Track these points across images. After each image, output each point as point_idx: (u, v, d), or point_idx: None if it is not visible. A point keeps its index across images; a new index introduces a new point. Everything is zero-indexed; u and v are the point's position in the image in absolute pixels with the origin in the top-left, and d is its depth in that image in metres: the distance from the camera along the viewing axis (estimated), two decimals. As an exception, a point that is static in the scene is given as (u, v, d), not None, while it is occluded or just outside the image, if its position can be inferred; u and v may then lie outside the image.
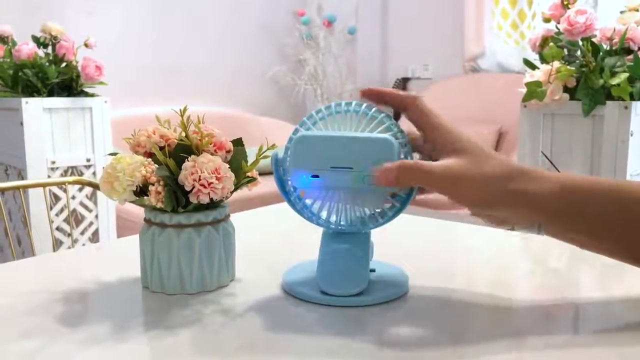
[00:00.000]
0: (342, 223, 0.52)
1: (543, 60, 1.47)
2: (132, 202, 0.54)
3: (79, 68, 1.91)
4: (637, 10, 1.46)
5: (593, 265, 0.65)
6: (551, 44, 1.45)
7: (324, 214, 0.52)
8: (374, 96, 0.52)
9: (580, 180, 0.49)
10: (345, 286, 0.51)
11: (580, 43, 1.41)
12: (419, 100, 0.51)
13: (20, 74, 1.88)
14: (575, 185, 0.49)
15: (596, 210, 0.49)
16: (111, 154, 0.55)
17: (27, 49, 1.89)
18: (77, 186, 1.90)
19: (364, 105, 0.51)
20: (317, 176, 0.49)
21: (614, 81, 1.33)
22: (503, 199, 0.47)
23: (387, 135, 0.49)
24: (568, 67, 1.39)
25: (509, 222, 0.50)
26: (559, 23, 1.44)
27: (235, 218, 0.59)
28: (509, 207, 0.48)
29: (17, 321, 0.49)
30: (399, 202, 0.51)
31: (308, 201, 0.52)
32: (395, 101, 0.52)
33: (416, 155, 0.53)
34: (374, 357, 0.41)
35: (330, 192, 0.50)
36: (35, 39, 1.95)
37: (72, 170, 1.93)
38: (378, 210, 0.52)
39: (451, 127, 0.49)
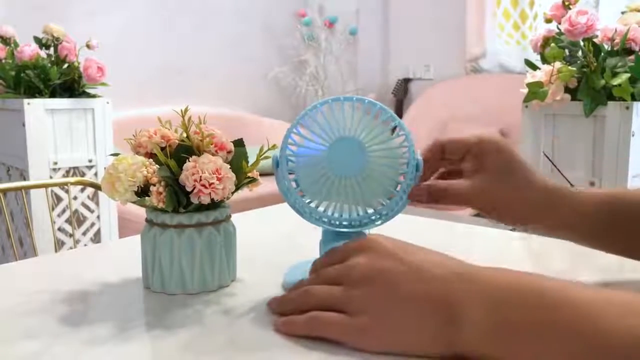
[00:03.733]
0: (342, 223, 0.52)
1: (544, 60, 1.47)
2: (134, 202, 0.54)
3: (81, 69, 1.91)
4: (639, 11, 1.46)
5: (594, 265, 0.65)
6: (552, 44, 1.45)
7: (324, 214, 0.52)
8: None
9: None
10: None
11: (582, 43, 1.41)
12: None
13: (22, 75, 1.88)
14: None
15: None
16: (113, 155, 0.55)
17: (29, 50, 1.89)
18: (79, 187, 1.90)
19: (355, 97, 0.51)
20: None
21: (616, 82, 1.33)
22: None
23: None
24: (569, 67, 1.39)
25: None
26: (560, 23, 1.44)
27: (236, 218, 0.59)
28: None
29: (19, 322, 0.49)
30: (398, 200, 0.51)
31: (312, 205, 0.52)
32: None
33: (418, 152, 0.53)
34: (376, 357, 0.41)
35: (329, 192, 0.51)
36: (37, 40, 1.96)
37: (74, 171, 1.93)
38: (377, 209, 0.52)
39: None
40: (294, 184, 0.52)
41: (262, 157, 0.55)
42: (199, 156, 0.53)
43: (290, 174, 0.52)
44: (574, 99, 1.40)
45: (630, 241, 0.53)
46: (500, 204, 0.52)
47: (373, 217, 0.52)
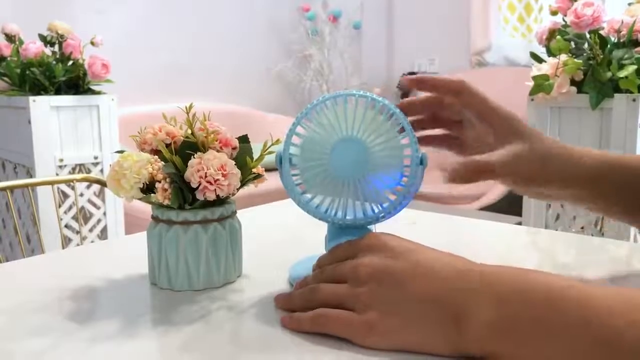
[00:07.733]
0: (346, 218, 0.52)
1: (550, 53, 1.46)
2: (139, 199, 0.54)
3: (86, 66, 1.91)
4: (645, 2, 1.45)
5: (601, 259, 0.64)
6: (558, 36, 1.44)
7: (328, 209, 0.52)
8: (416, 85, 0.53)
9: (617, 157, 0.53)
10: None
11: (588, 36, 1.40)
12: (468, 83, 0.52)
13: (27, 72, 1.89)
14: (618, 159, 0.52)
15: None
16: (118, 152, 0.55)
17: (34, 47, 1.90)
18: (85, 184, 1.91)
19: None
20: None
21: (622, 74, 1.32)
22: (555, 176, 0.50)
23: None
24: (575, 60, 1.38)
25: (555, 198, 0.54)
26: (566, 16, 1.43)
27: (242, 214, 0.59)
28: (559, 184, 0.51)
29: (27, 318, 0.49)
30: (403, 195, 0.51)
31: (316, 201, 0.52)
32: (442, 88, 0.53)
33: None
34: (382, 354, 0.41)
35: (333, 190, 0.50)
36: (42, 38, 1.96)
37: (79, 167, 1.94)
38: (383, 204, 0.52)
39: (505, 109, 0.52)
40: (297, 179, 0.52)
41: (266, 152, 0.55)
42: (204, 153, 0.53)
43: (293, 168, 0.51)
44: (580, 91, 1.39)
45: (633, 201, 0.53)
46: (527, 172, 0.51)
47: (377, 213, 0.52)
